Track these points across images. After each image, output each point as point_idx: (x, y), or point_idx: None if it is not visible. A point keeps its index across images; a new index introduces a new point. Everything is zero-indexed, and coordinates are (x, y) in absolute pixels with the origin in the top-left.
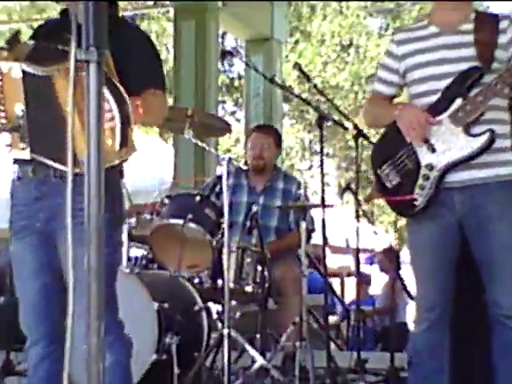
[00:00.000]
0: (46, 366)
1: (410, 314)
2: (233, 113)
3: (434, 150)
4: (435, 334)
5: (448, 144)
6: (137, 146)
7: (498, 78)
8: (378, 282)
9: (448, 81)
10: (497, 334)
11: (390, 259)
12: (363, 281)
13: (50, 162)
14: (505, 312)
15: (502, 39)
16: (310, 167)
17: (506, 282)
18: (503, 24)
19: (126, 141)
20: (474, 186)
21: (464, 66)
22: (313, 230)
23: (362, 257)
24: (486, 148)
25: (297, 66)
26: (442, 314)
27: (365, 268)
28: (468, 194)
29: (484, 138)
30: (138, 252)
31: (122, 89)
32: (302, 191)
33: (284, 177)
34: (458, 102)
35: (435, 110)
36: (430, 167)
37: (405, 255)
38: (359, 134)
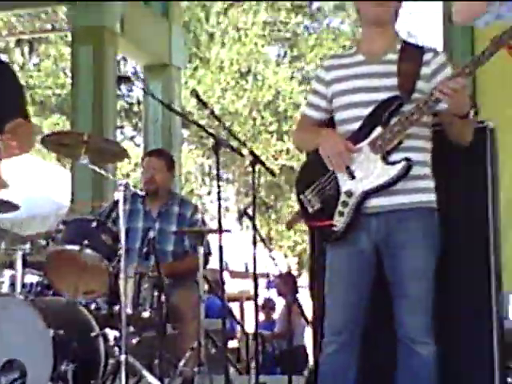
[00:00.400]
0: None
1: (308, 337)
2: (132, 138)
3: (353, 177)
4: (343, 356)
5: (366, 171)
6: (7, 181)
7: (415, 107)
8: (277, 307)
9: (370, 109)
10: (401, 357)
11: (286, 284)
12: (268, 305)
13: None
14: (408, 334)
15: (425, 71)
16: (210, 192)
17: (411, 305)
18: (427, 56)
19: None
20: (391, 212)
21: (386, 94)
22: (209, 254)
23: (262, 281)
24: (403, 176)
25: (194, 92)
26: (350, 337)
27: (264, 292)
28: (383, 219)
29: (400, 166)
30: (32, 278)
31: None
32: (198, 216)
33: (180, 201)
34: (378, 130)
35: (357, 137)
36: (349, 194)
37: (303, 279)
38: (256, 160)
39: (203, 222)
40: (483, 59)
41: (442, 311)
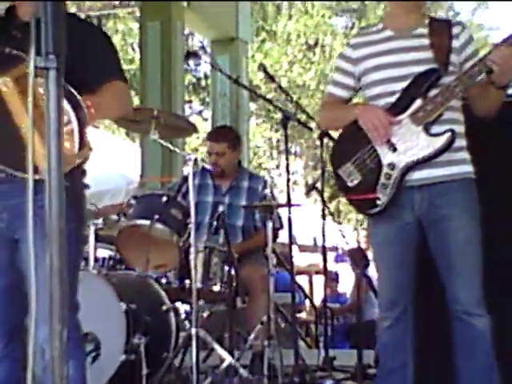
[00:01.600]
0: (5, 367)
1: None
2: (200, 112)
3: (395, 150)
4: (397, 330)
5: (409, 143)
6: (92, 145)
7: (456, 79)
8: (348, 280)
9: (404, 83)
10: (457, 332)
11: (356, 258)
12: (331, 279)
13: (10, 170)
14: (463, 308)
15: (455, 44)
16: (278, 166)
17: (463, 278)
18: (456, 29)
19: (83, 143)
20: (433, 184)
21: (420, 68)
22: (280, 228)
23: (331, 255)
24: (447, 147)
25: (261, 67)
26: (402, 312)
27: (333, 266)
28: (427, 192)
29: (445, 138)
30: (104, 253)
31: (75, 92)
32: (267, 190)
33: (249, 176)
34: (418, 102)
35: (395, 110)
36: (392, 166)
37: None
38: (324, 133)
39: (273, 195)
40: None
41: (496, 282)
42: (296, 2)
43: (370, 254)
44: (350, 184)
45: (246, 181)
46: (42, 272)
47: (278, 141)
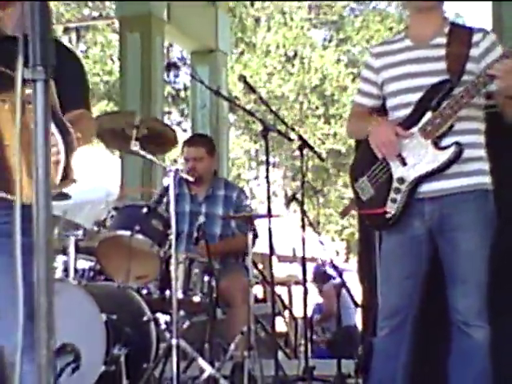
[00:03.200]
0: None
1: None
2: (179, 123)
3: (404, 164)
4: (393, 340)
5: (418, 157)
6: (75, 176)
7: (463, 90)
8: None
9: (419, 94)
10: (455, 341)
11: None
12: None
13: None
14: (463, 318)
15: (474, 52)
16: (257, 177)
17: (466, 288)
18: (477, 37)
19: (67, 174)
20: (444, 196)
21: (435, 79)
22: (256, 236)
23: (310, 266)
24: (453, 161)
25: (242, 78)
26: (401, 322)
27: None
28: (437, 204)
29: (450, 152)
30: (85, 264)
31: (64, 119)
32: (243, 198)
33: (225, 184)
34: (428, 115)
35: (408, 122)
36: (401, 180)
37: (351, 264)
38: (304, 144)
39: (248, 204)
40: None
41: (501, 295)
42: (275, 14)
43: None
44: (363, 198)
45: (221, 189)
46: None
47: (256, 152)
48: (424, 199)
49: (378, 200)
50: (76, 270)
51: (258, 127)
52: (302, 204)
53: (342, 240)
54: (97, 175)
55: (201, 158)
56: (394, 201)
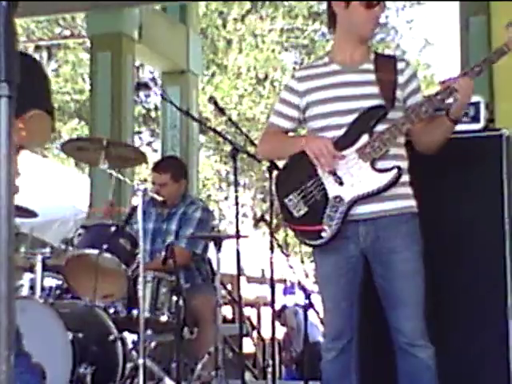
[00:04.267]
0: None
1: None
2: (149, 143)
3: (341, 183)
4: (342, 361)
5: (356, 178)
6: (20, 169)
7: (404, 117)
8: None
9: (351, 117)
10: (401, 362)
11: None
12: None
13: None
14: (407, 339)
15: (400, 79)
16: (227, 198)
17: (407, 310)
18: (401, 65)
19: None
20: (377, 218)
21: (367, 102)
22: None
23: (279, 287)
24: (394, 183)
25: (212, 99)
26: (348, 343)
27: (280, 298)
28: (371, 226)
29: (392, 174)
30: (52, 282)
31: None
32: (198, 213)
33: (190, 203)
34: (365, 138)
35: (341, 144)
36: (339, 199)
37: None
38: (272, 166)
39: (204, 220)
40: (493, 58)
41: (449, 313)
42: (247, 37)
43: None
44: (295, 214)
45: (183, 207)
46: None
47: (227, 173)
48: (358, 221)
49: (313, 217)
50: (43, 288)
51: (228, 148)
52: (270, 225)
53: (312, 262)
54: (65, 193)
55: (165, 183)
56: (331, 219)
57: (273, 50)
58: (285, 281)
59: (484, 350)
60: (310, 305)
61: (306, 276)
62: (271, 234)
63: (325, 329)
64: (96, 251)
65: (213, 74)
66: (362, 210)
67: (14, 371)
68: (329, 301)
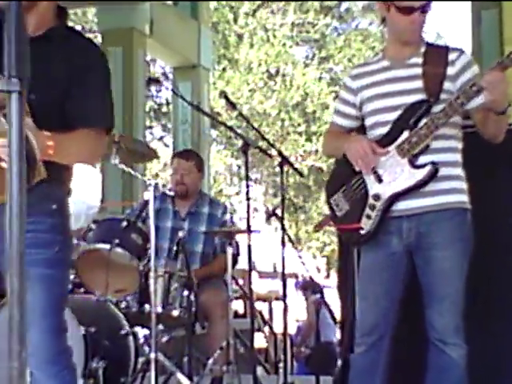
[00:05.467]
0: None
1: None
2: (161, 138)
3: (380, 181)
4: (371, 357)
5: (394, 175)
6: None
7: (441, 111)
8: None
9: (396, 113)
10: (431, 358)
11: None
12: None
13: None
14: (439, 335)
15: (451, 71)
16: (238, 192)
17: (441, 306)
18: (452, 56)
19: (30, 178)
20: (422, 214)
21: (412, 98)
22: (238, 254)
23: (290, 282)
24: (429, 179)
25: (223, 94)
26: (379, 339)
27: (293, 293)
28: (415, 222)
29: (426, 170)
30: None
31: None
32: (227, 216)
33: (210, 202)
34: (405, 134)
35: (385, 141)
36: (377, 197)
37: (331, 280)
38: (284, 161)
39: (232, 221)
40: None
41: (481, 314)
42: (258, 31)
43: (328, 282)
44: (338, 213)
45: (206, 207)
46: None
47: (238, 167)
48: (402, 217)
49: (353, 216)
50: None
51: (240, 142)
52: (281, 220)
53: (323, 257)
54: (77, 189)
55: (190, 171)
56: (368, 217)
57: (284, 45)
58: (296, 275)
59: None
60: (322, 300)
61: (318, 271)
62: (283, 229)
63: (358, 322)
64: (108, 246)
65: (224, 69)
66: (404, 205)
67: (52, 370)
68: (367, 295)
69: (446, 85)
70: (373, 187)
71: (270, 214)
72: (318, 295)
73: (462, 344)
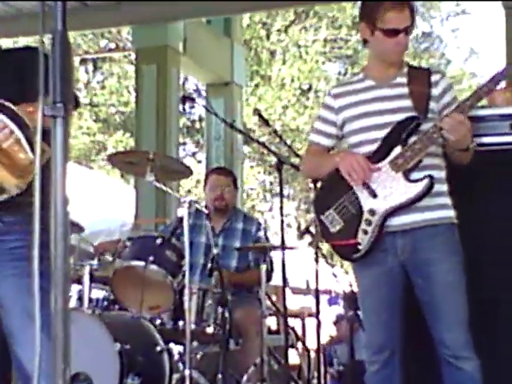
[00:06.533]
0: None
1: None
2: (194, 154)
3: (375, 196)
4: (385, 375)
5: (389, 190)
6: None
7: (434, 127)
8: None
9: (385, 131)
10: (446, 375)
11: (349, 301)
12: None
13: None
14: (450, 351)
15: (434, 92)
16: (271, 208)
17: (448, 321)
18: (435, 77)
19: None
20: (415, 229)
21: (401, 116)
22: (272, 270)
23: (323, 298)
24: (426, 193)
25: (256, 112)
26: (390, 356)
27: (325, 309)
28: (409, 237)
29: (423, 184)
30: (99, 293)
31: (7, 103)
32: (261, 232)
33: (244, 217)
34: (398, 149)
35: (375, 157)
36: (372, 212)
37: None
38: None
39: (266, 237)
40: (482, 94)
41: (491, 326)
42: (291, 47)
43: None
44: (332, 230)
45: (240, 222)
46: (18, 308)
47: (271, 183)
48: (396, 233)
49: (349, 231)
50: (90, 300)
51: (273, 159)
52: (315, 237)
53: None
54: (111, 205)
55: (228, 187)
56: (365, 232)
57: (316, 61)
58: (330, 292)
59: None
60: (357, 317)
61: (351, 287)
62: (316, 245)
63: (367, 342)
64: (142, 263)
65: (256, 85)
66: (398, 221)
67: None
68: (369, 313)
69: (432, 104)
70: (366, 202)
71: (304, 232)
72: (352, 312)
73: (473, 356)
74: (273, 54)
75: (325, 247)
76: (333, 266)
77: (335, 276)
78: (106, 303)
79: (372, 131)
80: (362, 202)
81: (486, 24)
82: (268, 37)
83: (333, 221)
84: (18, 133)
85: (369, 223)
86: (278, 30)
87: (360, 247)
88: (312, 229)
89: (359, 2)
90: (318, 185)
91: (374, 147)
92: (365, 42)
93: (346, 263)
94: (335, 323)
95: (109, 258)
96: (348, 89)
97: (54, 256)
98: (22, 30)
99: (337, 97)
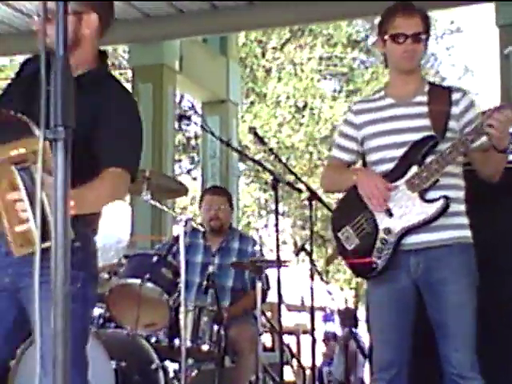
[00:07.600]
0: None
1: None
2: (189, 171)
3: (391, 215)
4: None
5: (404, 209)
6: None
7: (451, 147)
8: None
9: (403, 150)
10: None
11: (344, 318)
12: (330, 339)
13: None
14: (455, 370)
15: (455, 110)
16: (266, 225)
17: (456, 341)
18: (456, 96)
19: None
20: (428, 248)
21: (419, 135)
22: (268, 289)
23: (319, 315)
24: (441, 213)
25: (252, 130)
26: (397, 374)
27: (320, 326)
28: (423, 256)
29: (439, 204)
30: (95, 311)
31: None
32: (257, 247)
33: (240, 237)
34: (414, 169)
35: (392, 176)
36: (388, 231)
37: (360, 313)
38: (313, 195)
39: (262, 254)
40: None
41: (493, 347)
42: (286, 65)
43: (358, 314)
44: (348, 247)
45: (236, 242)
46: (48, 328)
47: (266, 200)
48: (410, 251)
49: (364, 250)
50: None
51: (268, 176)
52: (310, 254)
53: (351, 289)
54: (107, 223)
55: (224, 206)
56: (380, 251)
57: (312, 79)
58: (324, 308)
59: None
60: (352, 333)
61: (346, 303)
62: (311, 262)
63: (374, 358)
64: (138, 281)
65: (252, 103)
66: (412, 240)
67: None
68: (379, 331)
69: (451, 124)
70: (383, 221)
71: (299, 250)
72: (348, 329)
73: (478, 377)
74: (268, 71)
75: (319, 263)
76: (327, 283)
77: (330, 293)
78: (101, 321)
79: (390, 150)
80: (378, 221)
81: (480, 42)
82: (263, 54)
83: (349, 238)
84: (31, 224)
85: (384, 242)
86: (274, 48)
87: (375, 266)
88: (307, 246)
89: (360, 21)
90: (314, 202)
91: (391, 166)
92: (385, 61)
93: (342, 280)
94: (324, 340)
95: (105, 275)
96: (369, 106)
97: (54, 277)
98: (19, 48)
99: (358, 113)
